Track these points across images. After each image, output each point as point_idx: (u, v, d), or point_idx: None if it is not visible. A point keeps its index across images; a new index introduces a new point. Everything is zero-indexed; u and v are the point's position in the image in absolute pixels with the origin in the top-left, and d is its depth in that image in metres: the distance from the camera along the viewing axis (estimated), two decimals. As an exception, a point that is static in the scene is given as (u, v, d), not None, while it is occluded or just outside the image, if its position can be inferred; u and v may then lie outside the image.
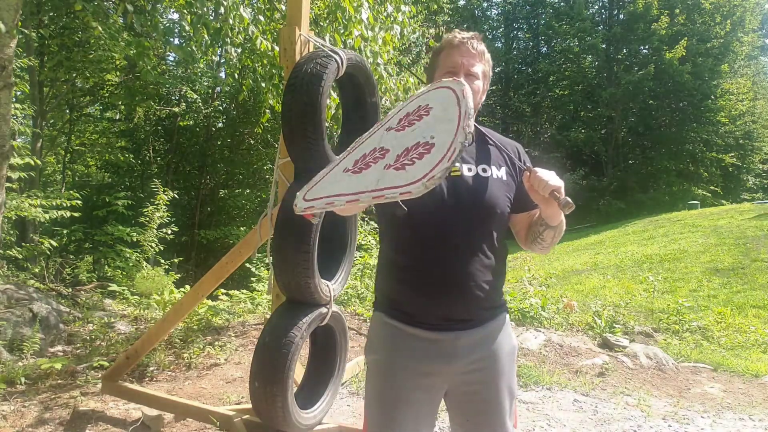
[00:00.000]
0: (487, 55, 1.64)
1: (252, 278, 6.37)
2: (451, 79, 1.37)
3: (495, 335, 1.60)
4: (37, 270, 7.57)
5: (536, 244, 1.61)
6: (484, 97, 1.66)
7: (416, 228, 1.52)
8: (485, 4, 32.36)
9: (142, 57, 5.01)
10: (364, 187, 1.16)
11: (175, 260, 7.27)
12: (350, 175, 1.23)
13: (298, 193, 1.29)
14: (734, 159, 24.65)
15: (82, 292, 6.59)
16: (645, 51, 25.60)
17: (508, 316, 1.69)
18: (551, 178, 1.42)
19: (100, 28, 4.74)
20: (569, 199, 1.37)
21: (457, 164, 1.54)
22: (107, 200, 8.89)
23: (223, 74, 12.70)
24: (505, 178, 1.60)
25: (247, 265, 6.11)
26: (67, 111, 13.04)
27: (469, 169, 1.57)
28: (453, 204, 1.52)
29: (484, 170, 1.59)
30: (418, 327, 1.56)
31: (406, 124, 1.29)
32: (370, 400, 1.63)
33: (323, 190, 1.25)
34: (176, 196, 8.85)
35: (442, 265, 1.52)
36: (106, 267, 6.93)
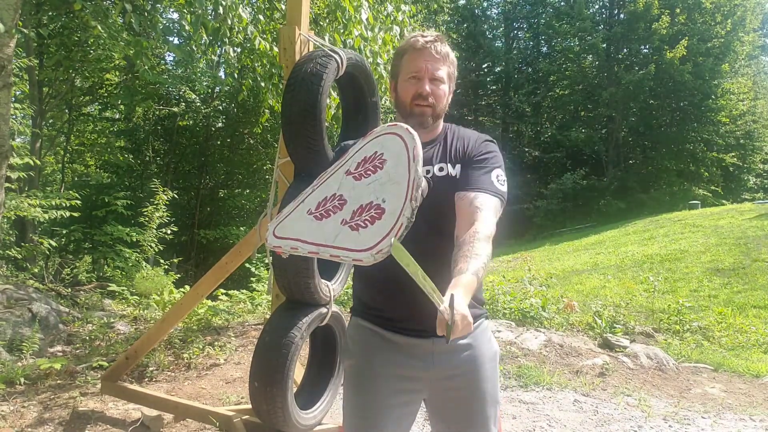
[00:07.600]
0: (452, 56, 1.59)
1: (252, 278, 6.36)
2: (405, 128, 1.30)
3: (474, 341, 1.57)
4: (36, 270, 7.56)
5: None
6: (450, 98, 1.61)
7: None
8: (485, 4, 32.30)
9: (140, 56, 5.01)
10: (324, 240, 1.22)
11: (175, 260, 7.27)
12: (312, 220, 1.28)
13: (270, 225, 1.34)
14: (735, 159, 24.58)
15: (82, 292, 6.59)
16: (645, 51, 25.55)
17: (487, 322, 1.65)
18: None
19: (99, 28, 4.74)
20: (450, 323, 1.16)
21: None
22: (106, 200, 8.89)
23: (222, 74, 12.69)
24: (459, 175, 1.54)
25: (247, 265, 6.11)
26: (66, 111, 13.04)
27: (427, 171, 1.53)
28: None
29: (441, 169, 1.54)
30: (395, 332, 1.54)
31: (362, 173, 1.31)
32: (348, 406, 1.59)
33: (290, 228, 1.30)
34: (176, 196, 8.85)
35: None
36: (106, 267, 6.93)
